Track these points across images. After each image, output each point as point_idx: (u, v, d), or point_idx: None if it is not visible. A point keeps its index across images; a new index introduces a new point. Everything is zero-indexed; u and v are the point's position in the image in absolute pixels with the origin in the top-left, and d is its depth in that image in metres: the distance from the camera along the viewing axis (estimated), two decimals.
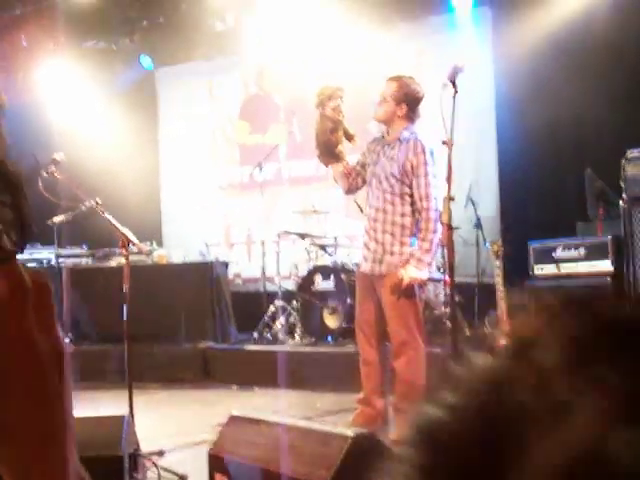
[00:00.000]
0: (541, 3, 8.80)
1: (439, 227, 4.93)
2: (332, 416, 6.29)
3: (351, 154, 5.80)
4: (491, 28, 9.69)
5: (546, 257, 7.52)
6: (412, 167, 5.05)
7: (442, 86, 4.56)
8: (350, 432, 3.43)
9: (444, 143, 4.54)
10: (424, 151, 5.06)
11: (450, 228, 4.28)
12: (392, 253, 5.11)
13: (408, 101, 5.15)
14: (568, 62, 8.42)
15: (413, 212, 5.10)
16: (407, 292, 5.02)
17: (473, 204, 8.41)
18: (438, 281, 5.31)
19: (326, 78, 10.74)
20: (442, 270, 7.22)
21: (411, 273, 4.97)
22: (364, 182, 5.46)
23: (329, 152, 5.45)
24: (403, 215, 5.11)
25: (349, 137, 5.51)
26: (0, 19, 10.13)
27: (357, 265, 5.59)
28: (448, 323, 7.00)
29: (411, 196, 5.09)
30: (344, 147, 5.56)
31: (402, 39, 10.23)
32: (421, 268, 4.98)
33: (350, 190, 5.69)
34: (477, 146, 9.39)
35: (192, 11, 10.30)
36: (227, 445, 3.98)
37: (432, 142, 5.13)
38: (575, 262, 7.31)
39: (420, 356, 5.14)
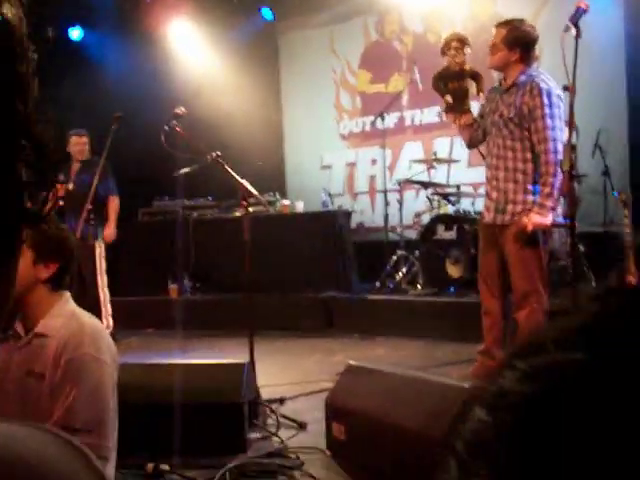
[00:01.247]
0: None
1: (560, 171, 4.76)
2: (452, 366, 6.26)
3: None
4: None
5: None
6: (529, 110, 4.87)
7: (565, 28, 4.38)
8: (466, 384, 3.40)
9: (565, 89, 4.38)
10: (541, 93, 4.85)
11: (572, 177, 4.11)
12: (515, 202, 4.97)
13: (521, 44, 4.98)
14: None
15: (535, 158, 4.94)
16: (531, 241, 4.89)
17: (601, 151, 8.12)
18: (563, 226, 5.13)
19: (446, 25, 10.58)
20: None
21: (534, 219, 4.81)
22: (485, 134, 5.33)
23: (451, 102, 5.35)
24: (525, 161, 4.95)
25: (478, 86, 5.38)
26: None
27: (480, 215, 5.48)
28: None
29: (530, 141, 4.94)
30: (469, 98, 5.44)
31: None
32: (544, 214, 4.81)
33: (472, 143, 5.59)
34: (606, 92, 9.01)
35: None
36: (344, 394, 4.02)
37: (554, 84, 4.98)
38: None
39: (543, 308, 5.02)
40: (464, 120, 5.39)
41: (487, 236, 5.25)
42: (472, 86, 5.39)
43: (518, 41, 4.97)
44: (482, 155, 8.29)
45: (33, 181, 0.61)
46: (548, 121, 4.83)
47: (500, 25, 5.08)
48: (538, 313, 4.97)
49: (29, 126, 0.61)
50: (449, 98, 5.33)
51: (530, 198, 4.95)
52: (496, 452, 0.39)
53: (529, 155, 4.95)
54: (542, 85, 4.90)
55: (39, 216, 0.63)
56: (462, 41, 5.29)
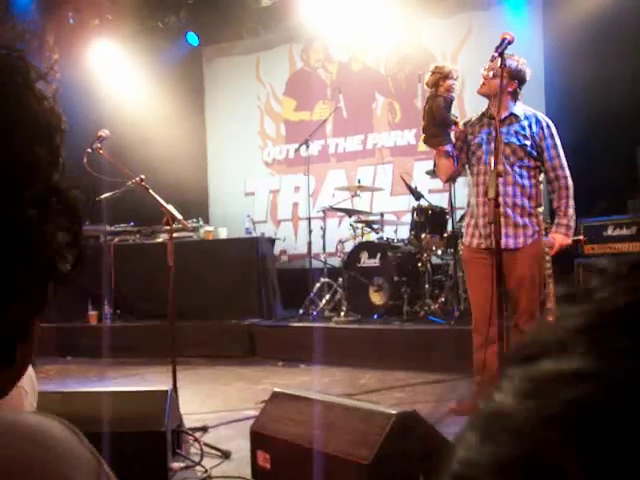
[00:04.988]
0: None
1: None
2: (376, 394, 6.25)
3: None
4: (541, 3, 9.54)
5: (597, 235, 7.38)
6: (541, 140, 5.09)
7: (491, 58, 4.46)
8: (393, 410, 3.39)
9: (491, 118, 4.44)
10: (549, 125, 5.14)
11: (498, 205, 4.16)
12: (525, 226, 5.09)
13: (519, 78, 5.11)
14: (620, 40, 8.22)
15: (538, 183, 5.16)
16: (541, 265, 5.09)
17: None
18: (577, 242, 5.46)
19: (369, 52, 10.71)
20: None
21: (560, 240, 5.04)
22: (463, 167, 5.39)
23: (444, 130, 5.25)
24: (531, 186, 5.11)
25: (453, 122, 5.37)
26: None
27: (470, 243, 5.37)
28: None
29: (536, 168, 5.13)
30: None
31: (449, 14, 10.09)
32: (569, 235, 5.07)
33: (453, 176, 5.53)
34: None
35: None
36: (269, 422, 3.97)
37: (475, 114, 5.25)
38: (626, 241, 7.17)
39: None
40: (448, 147, 5.29)
41: (482, 264, 5.13)
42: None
43: (518, 75, 5.09)
44: (406, 184, 8.35)
45: (64, 242, 0.71)
46: (560, 150, 5.11)
47: (501, 56, 5.16)
48: None
49: (61, 191, 0.70)
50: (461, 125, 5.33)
51: (536, 221, 5.12)
52: None
53: (534, 180, 5.13)
54: (547, 118, 5.21)
55: (68, 276, 0.72)
56: (452, 74, 5.27)
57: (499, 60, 4.41)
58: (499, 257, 4.14)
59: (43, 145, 0.70)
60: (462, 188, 8.73)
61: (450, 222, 7.98)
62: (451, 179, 5.63)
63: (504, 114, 5.09)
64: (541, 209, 5.19)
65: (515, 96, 5.14)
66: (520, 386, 0.34)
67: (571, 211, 5.08)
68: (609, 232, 7.32)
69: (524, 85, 5.19)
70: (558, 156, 5.10)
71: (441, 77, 5.12)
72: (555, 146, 5.10)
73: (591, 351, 0.33)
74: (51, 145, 0.71)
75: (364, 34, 10.52)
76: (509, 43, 4.41)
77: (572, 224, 5.10)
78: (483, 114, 5.26)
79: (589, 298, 0.36)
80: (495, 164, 4.19)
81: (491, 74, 5.03)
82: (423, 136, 5.35)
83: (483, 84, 5.13)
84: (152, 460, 4.01)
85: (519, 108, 5.15)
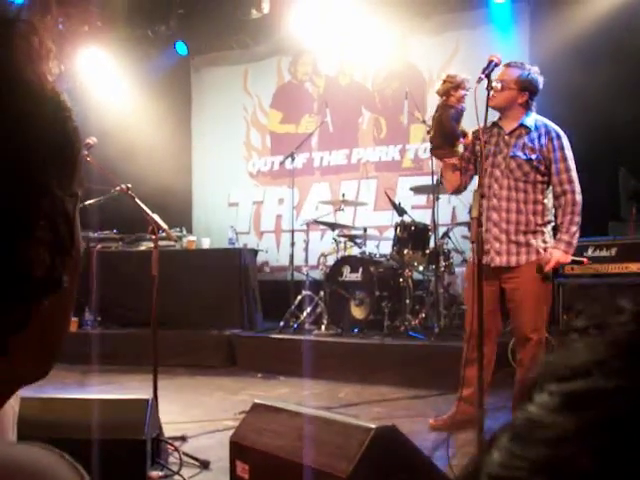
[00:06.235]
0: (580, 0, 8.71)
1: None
2: (355, 407, 6.27)
3: None
4: (528, 24, 9.63)
5: (577, 256, 7.43)
6: (548, 152, 4.96)
7: (477, 80, 4.47)
8: (372, 424, 3.42)
9: (477, 138, 4.46)
10: (560, 136, 4.99)
11: (480, 224, 4.16)
12: (528, 244, 4.97)
13: (530, 89, 5.02)
14: (605, 60, 8.30)
15: (544, 199, 5.01)
16: (547, 282, 4.96)
17: None
18: (579, 263, 5.28)
19: (357, 68, 10.77)
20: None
21: (557, 256, 4.87)
22: (470, 179, 5.30)
23: (451, 143, 5.03)
24: (536, 202, 4.99)
25: (462, 133, 5.22)
26: (37, 1, 10.18)
27: (473, 258, 5.23)
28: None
29: (543, 183, 4.99)
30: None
31: (437, 32, 10.18)
32: (569, 252, 4.90)
33: (459, 188, 5.38)
34: None
35: None
36: (249, 433, 3.99)
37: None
38: (606, 262, 7.23)
39: (544, 341, 4.97)
40: (454, 160, 5.18)
41: (485, 279, 4.99)
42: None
43: (529, 85, 5.00)
44: (390, 199, 8.39)
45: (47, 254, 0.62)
46: (570, 164, 4.96)
47: (512, 65, 5.04)
48: (541, 346, 4.91)
49: (63, 208, 0.62)
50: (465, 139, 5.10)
51: (541, 238, 4.99)
52: None
53: (540, 196, 4.99)
54: (558, 129, 5.04)
55: (53, 284, 0.63)
56: (464, 85, 5.10)
57: (486, 82, 4.43)
58: (480, 276, 4.13)
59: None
60: (445, 205, 8.82)
61: (432, 239, 8.04)
62: (457, 192, 5.53)
63: (514, 125, 5.04)
64: (549, 227, 5.05)
65: (527, 107, 5.04)
66: (555, 400, 0.37)
67: (574, 228, 4.90)
68: (589, 253, 7.37)
69: (536, 95, 5.07)
70: (567, 170, 4.95)
71: (452, 87, 4.91)
72: (564, 159, 4.96)
73: (624, 372, 0.36)
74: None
75: (353, 49, 10.60)
76: (496, 65, 4.43)
77: (574, 242, 4.91)
78: (493, 124, 5.14)
79: (613, 331, 0.39)
80: (479, 184, 4.20)
81: (499, 86, 4.88)
82: (430, 146, 5.22)
83: (493, 96, 4.97)
84: (131, 468, 4.02)
85: (531, 119, 5.04)
